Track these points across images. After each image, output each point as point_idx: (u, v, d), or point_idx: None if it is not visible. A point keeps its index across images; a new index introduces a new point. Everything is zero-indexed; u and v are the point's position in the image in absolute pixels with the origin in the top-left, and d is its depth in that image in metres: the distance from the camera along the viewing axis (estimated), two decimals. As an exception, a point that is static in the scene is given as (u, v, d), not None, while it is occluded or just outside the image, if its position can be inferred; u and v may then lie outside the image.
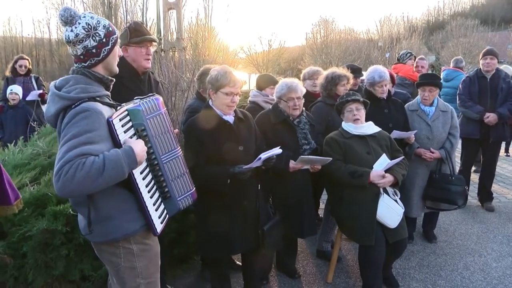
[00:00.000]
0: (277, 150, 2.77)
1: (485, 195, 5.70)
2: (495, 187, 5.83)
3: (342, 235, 3.62)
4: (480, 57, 5.52)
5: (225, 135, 2.78)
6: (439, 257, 4.16)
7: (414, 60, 6.45)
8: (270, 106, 3.82)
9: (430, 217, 4.56)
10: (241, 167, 2.69)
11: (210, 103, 2.85)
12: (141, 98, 2.14)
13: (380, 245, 3.16)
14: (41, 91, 6.35)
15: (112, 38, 2.01)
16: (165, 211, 2.16)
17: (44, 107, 6.28)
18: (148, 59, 2.98)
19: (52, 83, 1.99)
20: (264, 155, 2.67)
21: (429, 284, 3.65)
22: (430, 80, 4.23)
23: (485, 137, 5.34)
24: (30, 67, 6.66)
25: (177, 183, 2.21)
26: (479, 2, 70.34)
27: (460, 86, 5.53)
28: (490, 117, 5.20)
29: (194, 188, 2.35)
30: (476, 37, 33.34)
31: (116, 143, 1.89)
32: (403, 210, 3.29)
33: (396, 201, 3.30)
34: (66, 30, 1.94)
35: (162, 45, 6.56)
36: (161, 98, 2.19)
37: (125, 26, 3.09)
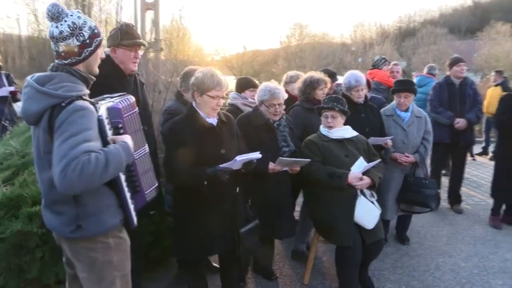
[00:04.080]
0: (256, 155, 2.79)
1: (455, 198, 5.90)
2: (462, 190, 6.02)
3: (319, 237, 3.67)
4: (450, 64, 5.72)
5: (208, 138, 2.78)
6: (412, 258, 4.28)
7: (389, 66, 6.59)
8: (249, 109, 3.85)
9: (404, 219, 4.68)
10: (217, 168, 2.69)
11: (194, 105, 2.84)
12: (111, 97, 2.19)
13: (357, 246, 3.22)
14: (12, 89, 6.16)
15: (96, 40, 2.03)
16: (135, 204, 2.22)
17: (16, 105, 6.12)
18: (136, 62, 2.98)
19: (29, 78, 1.98)
20: (240, 158, 2.68)
21: (403, 285, 3.75)
22: (406, 86, 4.35)
23: (454, 142, 5.52)
24: (1, 64, 6.47)
25: (145, 178, 2.28)
26: (447, 11, 72.33)
27: (431, 92, 5.71)
28: (460, 123, 5.38)
29: (157, 183, 2.43)
30: (445, 45, 34.36)
31: (104, 140, 1.94)
32: (380, 212, 3.38)
33: (373, 202, 3.38)
34: (52, 26, 1.97)
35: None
36: (133, 98, 2.24)
37: (116, 26, 3.04)
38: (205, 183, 2.67)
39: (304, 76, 4.37)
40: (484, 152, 9.90)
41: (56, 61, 2.02)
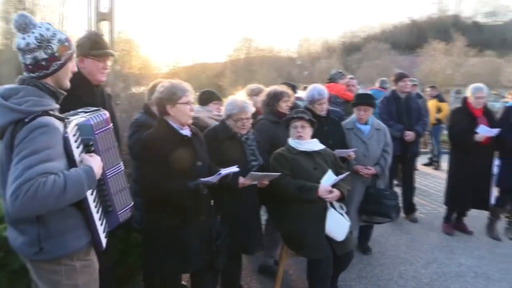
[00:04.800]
0: (235, 169, 2.79)
1: (409, 207, 6.14)
2: (414, 200, 6.27)
3: (288, 250, 3.68)
4: (395, 79, 6.02)
5: (184, 150, 2.74)
6: (375, 268, 4.38)
7: (345, 79, 6.78)
8: (214, 122, 3.83)
9: (365, 230, 4.80)
10: (199, 181, 2.66)
11: (165, 118, 2.79)
12: (85, 111, 2.09)
13: (329, 259, 3.26)
14: None
15: (66, 54, 1.94)
16: (106, 225, 2.12)
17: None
18: (104, 73, 2.86)
19: None
20: (224, 171, 2.68)
21: (370, 293, 3.84)
22: (365, 100, 4.50)
23: (404, 154, 5.76)
24: None
25: (119, 197, 2.18)
26: (387, 28, 75.94)
27: (380, 105, 5.95)
28: (410, 135, 5.66)
29: (133, 203, 2.33)
30: (388, 60, 36.03)
31: (71, 160, 1.84)
32: (350, 223, 3.44)
33: (342, 214, 3.44)
34: (18, 37, 1.87)
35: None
36: (108, 113, 2.15)
37: (83, 35, 2.91)
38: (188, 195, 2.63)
39: (266, 89, 4.42)
40: (430, 163, 10.41)
41: (24, 73, 1.91)
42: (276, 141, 3.95)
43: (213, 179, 2.68)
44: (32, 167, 1.65)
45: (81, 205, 1.90)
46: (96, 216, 1.98)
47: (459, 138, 5.29)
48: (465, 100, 5.41)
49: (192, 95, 2.83)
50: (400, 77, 5.94)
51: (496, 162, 5.38)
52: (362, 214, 4.50)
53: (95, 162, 1.90)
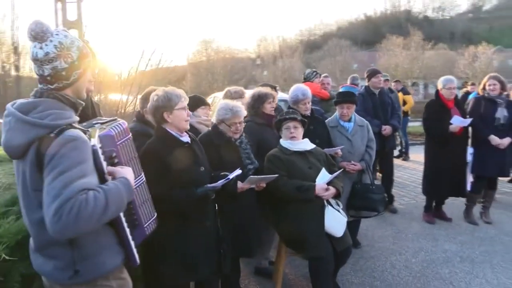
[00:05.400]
0: (238, 171, 2.82)
1: (388, 198, 6.31)
2: (392, 191, 6.47)
3: (287, 250, 3.72)
4: (368, 75, 6.17)
5: (186, 157, 2.75)
6: (368, 260, 4.50)
7: (320, 78, 6.90)
8: (204, 127, 3.83)
9: (353, 225, 4.90)
10: (207, 187, 2.67)
11: (164, 126, 2.79)
12: (99, 122, 1.99)
13: (329, 255, 3.32)
14: None
15: (85, 62, 1.84)
16: (135, 240, 2.04)
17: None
18: (92, 81, 2.82)
19: (9, 105, 1.75)
20: (231, 175, 2.70)
21: (368, 286, 3.96)
22: (347, 98, 4.60)
23: (382, 148, 5.93)
24: None
25: (143, 209, 2.12)
26: (343, 24, 77.58)
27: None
28: (387, 129, 5.83)
29: (156, 214, 2.28)
30: (349, 56, 36.84)
31: (100, 173, 1.76)
32: (346, 219, 3.53)
33: (339, 211, 3.52)
34: (35, 47, 1.74)
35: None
36: (126, 123, 2.07)
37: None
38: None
39: (247, 91, 4.47)
40: (399, 155, 10.74)
41: (40, 85, 1.80)
42: (263, 143, 3.98)
43: (220, 183, 2.70)
44: (70, 184, 1.56)
45: (112, 221, 1.82)
46: (127, 231, 1.92)
47: (435, 129, 5.49)
48: (437, 93, 5.63)
49: (186, 101, 2.83)
50: (373, 73, 6.11)
51: (470, 150, 5.62)
52: (350, 209, 4.60)
53: (129, 173, 1.84)
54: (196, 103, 4.26)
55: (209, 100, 5.73)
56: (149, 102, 3.21)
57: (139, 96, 3.87)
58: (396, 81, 11.21)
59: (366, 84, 6.26)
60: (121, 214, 1.86)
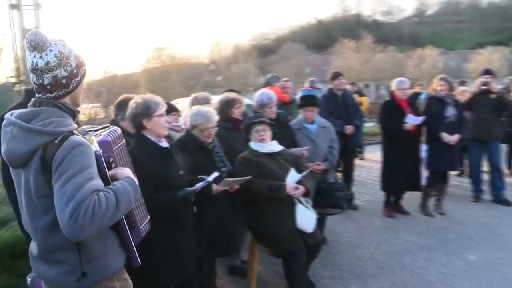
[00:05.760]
0: (216, 174, 2.96)
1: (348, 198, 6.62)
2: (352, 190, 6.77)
3: (260, 248, 3.88)
4: (331, 78, 6.52)
5: (166, 161, 2.87)
6: (335, 255, 4.74)
7: (280, 82, 7.12)
8: (175, 133, 3.94)
9: (320, 222, 5.13)
10: (187, 190, 2.80)
11: (143, 132, 2.89)
12: (94, 129, 2.06)
13: (302, 251, 3.52)
14: None
15: (82, 70, 1.90)
16: (133, 241, 2.12)
17: None
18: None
19: (8, 115, 1.80)
20: (210, 178, 2.83)
21: (337, 278, 4.18)
22: (310, 101, 4.85)
23: (345, 146, 6.22)
24: None
25: (139, 212, 2.20)
26: (296, 28, 78.80)
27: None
28: (350, 129, 6.12)
29: (149, 217, 2.36)
30: (302, 60, 37.62)
31: (104, 176, 1.83)
32: (316, 216, 3.73)
33: (308, 208, 3.72)
34: (34, 56, 1.77)
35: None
36: (120, 129, 2.13)
37: None
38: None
39: (213, 97, 4.61)
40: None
41: (39, 95, 1.83)
42: (231, 147, 4.11)
43: (199, 186, 2.82)
44: (81, 187, 1.63)
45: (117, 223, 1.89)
46: (128, 231, 2.00)
47: (391, 128, 5.84)
48: (391, 94, 5.99)
49: (164, 108, 2.94)
50: (335, 76, 6.46)
51: (424, 147, 6.01)
52: (315, 207, 4.81)
53: (130, 173, 1.93)
54: (167, 109, 4.36)
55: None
56: (122, 109, 3.31)
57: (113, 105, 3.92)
58: (351, 83, 11.63)
59: (330, 86, 6.55)
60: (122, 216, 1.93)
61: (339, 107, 6.32)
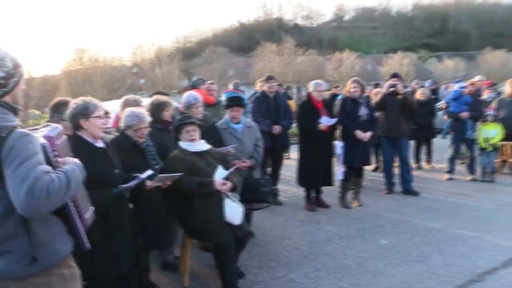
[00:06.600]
0: (150, 172, 3.10)
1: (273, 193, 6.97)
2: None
3: (191, 241, 4.06)
4: (264, 80, 6.93)
5: (102, 160, 2.97)
6: (262, 247, 5.04)
7: (206, 85, 7.30)
8: (106, 134, 3.99)
9: (247, 217, 5.38)
10: (121, 187, 2.92)
11: (79, 133, 2.96)
12: (35, 128, 2.15)
13: (231, 241, 3.75)
14: None
15: (19, 70, 2.00)
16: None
17: None
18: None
19: None
20: (144, 175, 2.97)
21: (265, 267, 4.47)
22: (237, 102, 5.11)
23: (273, 145, 6.57)
24: None
25: (83, 202, 2.29)
26: (218, 31, 79.10)
27: (252, 105, 6.72)
28: (277, 129, 6.47)
29: (93, 207, 2.44)
30: (226, 63, 38.02)
31: (51, 166, 1.92)
32: (243, 209, 3.98)
33: (236, 202, 3.96)
34: None
35: None
36: (60, 126, 2.24)
37: None
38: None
39: (143, 99, 4.71)
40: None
41: None
42: (162, 147, 4.27)
43: (133, 183, 2.95)
44: (34, 168, 1.73)
45: (60, 211, 1.98)
46: (75, 216, 2.08)
47: (307, 128, 6.31)
48: (308, 95, 6.45)
49: (102, 111, 3.06)
50: (267, 79, 6.86)
51: (340, 144, 6.51)
52: (243, 203, 5.06)
53: (75, 160, 2.06)
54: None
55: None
56: (57, 111, 3.37)
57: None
58: (279, 85, 11.97)
59: (263, 89, 6.96)
60: (69, 202, 2.03)
61: (270, 108, 6.68)
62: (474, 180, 8.18)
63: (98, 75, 34.33)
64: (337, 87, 13.31)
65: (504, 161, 8.73)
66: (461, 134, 8.10)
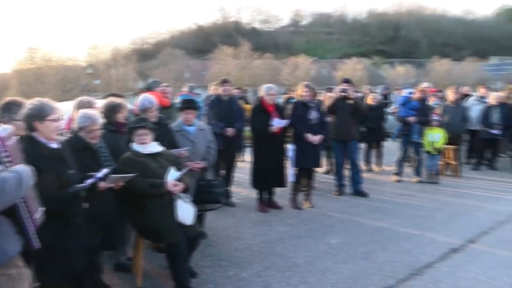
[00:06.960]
0: (105, 171, 3.14)
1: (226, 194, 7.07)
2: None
3: (144, 242, 4.10)
4: (219, 83, 7.04)
5: (57, 161, 2.99)
6: (214, 247, 5.12)
7: (161, 87, 7.32)
8: (60, 136, 3.98)
9: (200, 218, 5.46)
10: (77, 187, 2.95)
11: (33, 134, 2.95)
12: None
13: (183, 242, 3.82)
14: None
15: None
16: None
17: None
18: None
19: None
20: (98, 175, 3.00)
21: (217, 266, 4.57)
22: (190, 104, 5.20)
23: (227, 147, 6.66)
24: None
25: (33, 203, 2.32)
26: (175, 33, 78.41)
27: (207, 107, 6.81)
28: (230, 131, 6.58)
29: (44, 208, 2.48)
30: (182, 65, 37.80)
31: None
32: (195, 210, 4.06)
33: (187, 203, 4.04)
34: None
35: None
36: (11, 127, 2.27)
37: None
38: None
39: (97, 101, 4.71)
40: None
41: None
42: (115, 148, 4.27)
43: (89, 183, 2.99)
44: None
45: (9, 211, 2.01)
46: (25, 216, 2.12)
47: (259, 130, 6.48)
48: (260, 99, 6.61)
49: (59, 114, 3.05)
50: (222, 82, 6.96)
51: (291, 147, 6.71)
52: (196, 204, 5.13)
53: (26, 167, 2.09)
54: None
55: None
56: (8, 111, 3.33)
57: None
58: (238, 88, 12.05)
59: (218, 92, 7.07)
60: (19, 202, 2.07)
61: (224, 111, 6.77)
62: (420, 181, 8.65)
63: (51, 75, 33.25)
64: (293, 90, 13.56)
65: (447, 164, 9.30)
66: (408, 137, 8.52)
